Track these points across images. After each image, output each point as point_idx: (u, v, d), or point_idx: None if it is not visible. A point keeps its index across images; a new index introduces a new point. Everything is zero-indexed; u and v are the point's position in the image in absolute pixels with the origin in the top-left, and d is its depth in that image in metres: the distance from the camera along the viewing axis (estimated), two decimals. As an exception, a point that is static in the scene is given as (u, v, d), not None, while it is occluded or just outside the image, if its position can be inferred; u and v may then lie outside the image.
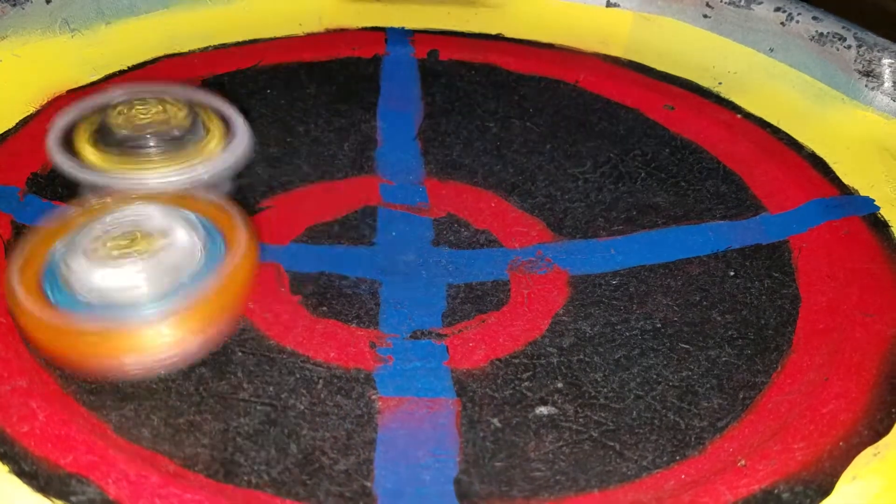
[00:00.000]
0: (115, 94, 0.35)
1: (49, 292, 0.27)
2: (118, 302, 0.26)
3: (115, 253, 0.27)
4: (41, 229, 0.29)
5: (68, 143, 0.34)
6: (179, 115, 0.34)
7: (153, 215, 0.28)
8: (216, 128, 0.34)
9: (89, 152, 0.33)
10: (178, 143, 0.33)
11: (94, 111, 0.35)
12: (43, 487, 0.27)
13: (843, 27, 0.46)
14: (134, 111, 0.34)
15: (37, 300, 0.26)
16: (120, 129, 0.33)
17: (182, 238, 0.28)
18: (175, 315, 0.27)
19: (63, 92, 0.43)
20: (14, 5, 0.46)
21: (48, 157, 0.33)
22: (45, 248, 0.28)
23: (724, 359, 0.33)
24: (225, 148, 0.33)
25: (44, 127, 0.41)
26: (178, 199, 0.30)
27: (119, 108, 0.34)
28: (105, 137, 0.34)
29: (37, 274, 0.27)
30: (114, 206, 0.29)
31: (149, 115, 0.34)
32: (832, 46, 0.46)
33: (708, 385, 0.32)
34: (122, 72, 0.46)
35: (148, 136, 0.33)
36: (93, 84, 0.44)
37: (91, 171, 0.32)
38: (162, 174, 0.32)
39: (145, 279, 0.27)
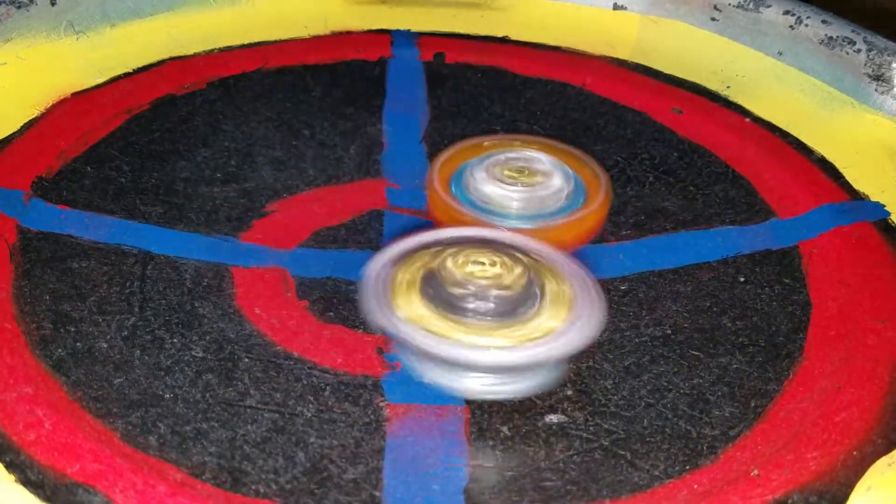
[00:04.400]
0: (446, 235, 0.33)
1: (453, 185, 0.37)
2: (493, 209, 0.35)
3: (507, 177, 0.36)
4: (465, 145, 0.39)
5: (387, 287, 0.30)
6: (515, 274, 0.30)
7: (543, 161, 0.37)
8: (553, 292, 0.30)
9: (414, 303, 0.30)
10: (511, 308, 0.30)
11: (422, 253, 0.32)
12: (49, 497, 0.27)
13: (853, 31, 0.46)
14: (467, 265, 0.30)
15: (442, 187, 0.36)
16: (451, 286, 0.30)
17: (557, 183, 0.36)
18: (529, 232, 0.34)
19: (68, 95, 0.43)
20: (19, 7, 0.45)
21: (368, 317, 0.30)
22: (463, 156, 0.38)
23: (734, 366, 0.33)
24: (564, 322, 0.30)
25: (48, 130, 0.41)
26: (565, 155, 0.38)
27: (452, 260, 0.31)
28: (433, 288, 0.30)
29: (451, 171, 0.37)
30: (519, 145, 0.38)
31: (483, 273, 0.30)
32: (841, 50, 0.46)
33: (719, 393, 0.32)
34: (126, 74, 0.45)
35: (477, 297, 0.30)
36: (98, 87, 0.44)
37: (408, 326, 0.30)
38: (493, 349, 0.29)
39: (518, 200, 0.35)
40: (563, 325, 0.30)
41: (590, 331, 0.30)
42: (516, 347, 0.29)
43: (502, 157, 0.37)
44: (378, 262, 0.31)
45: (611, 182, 0.37)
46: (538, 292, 0.31)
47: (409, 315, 0.30)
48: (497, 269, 0.31)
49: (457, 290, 0.30)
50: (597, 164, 0.38)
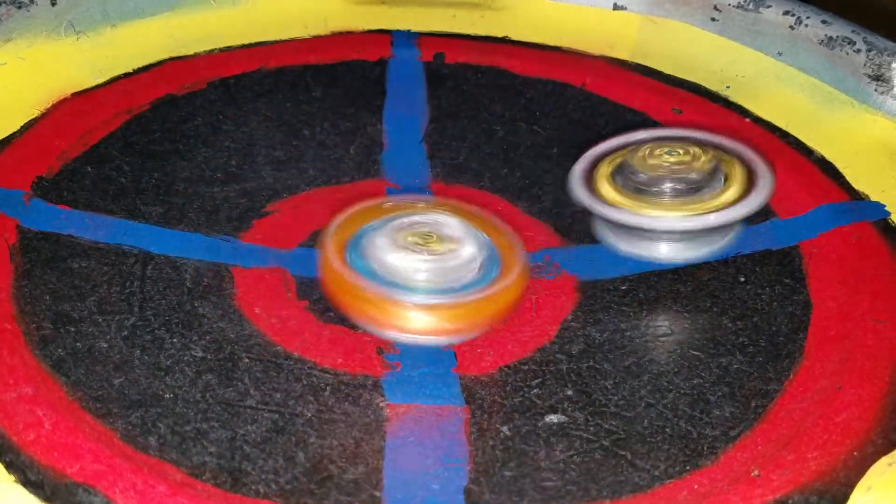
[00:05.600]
0: (641, 136, 0.38)
1: (349, 254, 0.33)
2: (397, 281, 0.32)
3: (412, 244, 0.32)
4: (364, 206, 0.35)
5: (589, 178, 0.36)
6: (702, 161, 0.35)
7: (453, 226, 0.33)
8: (737, 178, 0.36)
9: (606, 188, 0.36)
10: (694, 189, 0.35)
11: (619, 150, 0.37)
12: (49, 497, 0.27)
13: (853, 31, 0.46)
14: (656, 155, 0.36)
15: (337, 256, 0.32)
16: (639, 172, 0.35)
17: (468, 252, 0.32)
18: (435, 308, 0.32)
19: (68, 95, 0.43)
20: (19, 7, 0.45)
21: (570, 189, 0.37)
22: (361, 221, 0.34)
23: (735, 366, 0.33)
24: (740, 200, 0.35)
25: (48, 130, 0.41)
26: (480, 221, 0.34)
27: (643, 151, 0.36)
28: (624, 176, 0.36)
29: (346, 238, 0.33)
30: (425, 208, 0.34)
31: (671, 160, 0.36)
32: (841, 50, 0.46)
33: (720, 393, 0.32)
34: (127, 74, 0.45)
35: (665, 179, 0.35)
36: (98, 87, 0.44)
37: (605, 204, 0.36)
38: (671, 217, 0.35)
39: (426, 271, 0.32)
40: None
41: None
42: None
43: (407, 220, 0.33)
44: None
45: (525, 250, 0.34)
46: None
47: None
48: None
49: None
50: (510, 229, 0.35)
